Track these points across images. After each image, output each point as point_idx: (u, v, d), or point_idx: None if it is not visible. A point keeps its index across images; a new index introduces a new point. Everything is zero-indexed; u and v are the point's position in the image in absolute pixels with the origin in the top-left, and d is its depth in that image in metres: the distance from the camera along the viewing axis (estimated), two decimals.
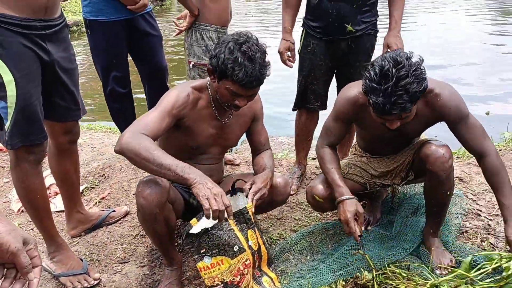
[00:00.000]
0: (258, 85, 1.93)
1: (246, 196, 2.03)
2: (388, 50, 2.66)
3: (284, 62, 2.90)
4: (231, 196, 2.15)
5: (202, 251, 1.89)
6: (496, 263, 1.92)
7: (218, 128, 2.14)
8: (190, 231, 1.88)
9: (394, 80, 1.77)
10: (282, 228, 2.64)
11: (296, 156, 3.26)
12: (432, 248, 2.24)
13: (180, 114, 1.98)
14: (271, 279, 2.10)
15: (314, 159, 3.60)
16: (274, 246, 2.42)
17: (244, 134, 2.34)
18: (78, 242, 2.56)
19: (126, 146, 1.73)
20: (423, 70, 1.85)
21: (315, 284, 2.04)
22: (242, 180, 2.16)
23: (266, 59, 1.93)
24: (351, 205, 2.08)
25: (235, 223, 1.96)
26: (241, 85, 1.87)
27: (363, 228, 2.14)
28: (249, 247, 1.97)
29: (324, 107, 3.01)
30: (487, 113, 5.31)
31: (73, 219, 2.57)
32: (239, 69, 1.82)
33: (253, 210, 1.99)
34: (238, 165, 3.40)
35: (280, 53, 2.87)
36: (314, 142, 3.13)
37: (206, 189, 1.71)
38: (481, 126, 2.09)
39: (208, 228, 1.88)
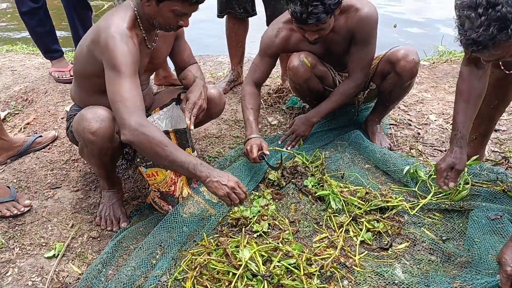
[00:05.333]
0: None
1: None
2: None
3: None
4: (176, 104, 2.10)
5: (137, 160, 1.89)
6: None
7: (149, 56, 1.95)
8: None
9: None
10: (220, 146, 2.62)
11: (230, 61, 3.28)
12: (375, 134, 2.52)
13: (137, 66, 1.74)
14: None
15: None
16: (212, 164, 2.41)
17: None
18: (3, 170, 2.40)
19: (138, 139, 1.61)
20: None
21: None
22: (183, 92, 2.09)
23: None
24: (255, 140, 2.24)
25: (176, 137, 1.95)
26: (192, 2, 1.68)
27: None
28: None
29: (248, 14, 2.98)
30: (395, 26, 5.38)
31: None
32: None
33: (193, 127, 1.95)
34: None
35: None
36: (248, 53, 3.28)
37: (222, 186, 1.67)
38: (371, 59, 2.35)
39: None
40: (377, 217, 1.94)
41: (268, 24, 2.87)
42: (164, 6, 1.69)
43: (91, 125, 1.74)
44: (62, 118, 2.81)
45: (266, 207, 2.05)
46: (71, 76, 3.15)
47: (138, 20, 1.79)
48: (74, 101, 2.08)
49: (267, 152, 2.24)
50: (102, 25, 1.73)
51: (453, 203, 1.97)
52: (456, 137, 1.88)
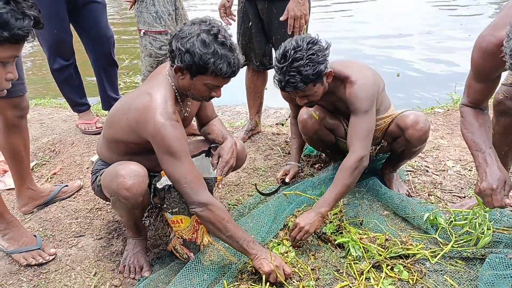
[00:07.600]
0: (238, 71, 1.82)
1: (214, 170, 2.07)
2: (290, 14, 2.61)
3: (221, 18, 2.97)
4: (205, 156, 2.19)
5: (163, 206, 1.95)
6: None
7: (183, 121, 2.01)
8: (157, 185, 1.93)
9: (289, 60, 2.00)
10: (240, 193, 2.67)
11: (248, 111, 3.40)
12: (392, 181, 2.55)
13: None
14: None
15: (270, 126, 3.64)
16: (232, 211, 2.44)
17: None
18: (30, 219, 2.48)
19: (205, 214, 1.81)
20: (320, 55, 2.03)
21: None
22: (215, 146, 2.18)
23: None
24: (287, 166, 2.74)
25: None
26: (225, 77, 1.76)
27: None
28: None
29: (265, 67, 3.12)
30: (398, 75, 5.48)
31: (24, 196, 2.48)
32: (221, 62, 1.70)
33: (220, 185, 2.05)
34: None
35: (219, 9, 3.02)
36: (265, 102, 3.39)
37: (268, 263, 1.85)
38: (368, 128, 2.17)
39: (171, 184, 1.90)
40: (399, 263, 1.93)
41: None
42: (197, 79, 1.77)
43: (125, 181, 1.81)
44: (87, 168, 2.92)
45: (285, 254, 2.07)
46: (97, 128, 3.30)
47: (177, 94, 1.90)
48: (102, 158, 2.12)
49: (287, 180, 2.65)
50: (146, 105, 1.77)
51: (474, 250, 1.95)
52: (485, 155, 1.74)
